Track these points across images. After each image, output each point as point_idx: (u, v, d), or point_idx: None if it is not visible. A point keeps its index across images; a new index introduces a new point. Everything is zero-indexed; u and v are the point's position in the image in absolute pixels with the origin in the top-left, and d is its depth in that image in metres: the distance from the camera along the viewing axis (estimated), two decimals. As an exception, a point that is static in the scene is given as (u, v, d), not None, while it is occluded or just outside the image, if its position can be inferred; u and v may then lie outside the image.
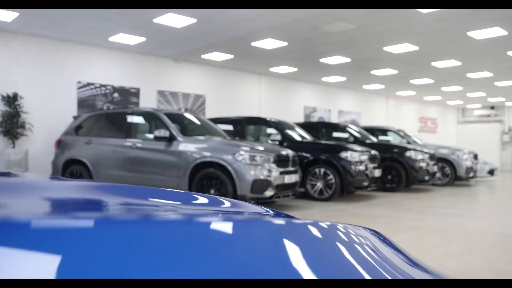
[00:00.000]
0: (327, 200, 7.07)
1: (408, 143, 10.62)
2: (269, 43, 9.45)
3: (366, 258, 0.50)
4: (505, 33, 8.33)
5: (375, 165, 7.65)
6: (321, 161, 7.20)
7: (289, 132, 8.00)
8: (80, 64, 9.59)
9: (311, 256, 0.45)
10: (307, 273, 0.42)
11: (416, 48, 9.68)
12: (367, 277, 0.47)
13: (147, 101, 10.70)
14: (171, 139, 6.06)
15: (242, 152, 5.58)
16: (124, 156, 6.49)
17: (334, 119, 15.75)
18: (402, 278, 0.50)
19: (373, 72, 12.80)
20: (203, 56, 10.89)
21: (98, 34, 8.78)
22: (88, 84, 9.74)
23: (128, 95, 10.41)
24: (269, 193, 5.65)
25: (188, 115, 7.15)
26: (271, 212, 0.80)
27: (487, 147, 19.98)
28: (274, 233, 0.47)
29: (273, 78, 13.78)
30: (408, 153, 8.71)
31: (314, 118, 14.99)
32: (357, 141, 9.20)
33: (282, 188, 5.90)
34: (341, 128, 9.80)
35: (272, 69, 12.63)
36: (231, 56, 10.86)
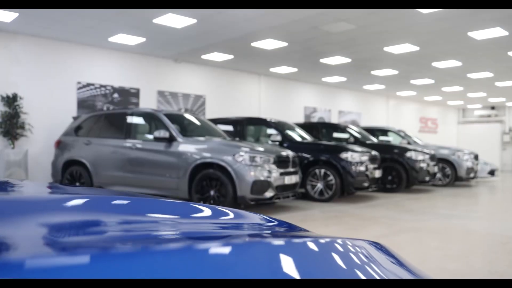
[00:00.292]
0: (327, 200, 7.06)
1: (409, 143, 10.61)
2: (269, 43, 9.43)
3: (369, 274, 0.49)
4: (505, 33, 8.32)
5: (376, 165, 7.64)
6: (321, 162, 7.19)
7: (289, 132, 7.98)
8: (80, 64, 9.57)
9: (311, 276, 0.44)
10: None
11: (416, 48, 9.67)
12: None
13: (147, 102, 10.69)
14: (171, 140, 6.04)
15: (242, 153, 5.57)
16: (123, 157, 6.47)
17: (334, 119, 15.73)
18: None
19: (373, 72, 12.79)
20: (203, 57, 10.88)
21: (98, 34, 8.77)
22: (88, 85, 9.72)
23: (128, 96, 10.40)
24: (269, 194, 5.64)
25: (188, 116, 7.13)
26: (274, 222, 0.79)
27: (487, 148, 19.96)
28: (273, 258, 0.46)
29: (273, 79, 13.76)
30: (408, 154, 8.70)
31: (314, 119, 14.97)
32: (357, 141, 9.19)
33: (282, 189, 5.89)
34: (341, 128, 9.79)
35: (272, 70, 12.62)
36: (231, 57, 10.85)
